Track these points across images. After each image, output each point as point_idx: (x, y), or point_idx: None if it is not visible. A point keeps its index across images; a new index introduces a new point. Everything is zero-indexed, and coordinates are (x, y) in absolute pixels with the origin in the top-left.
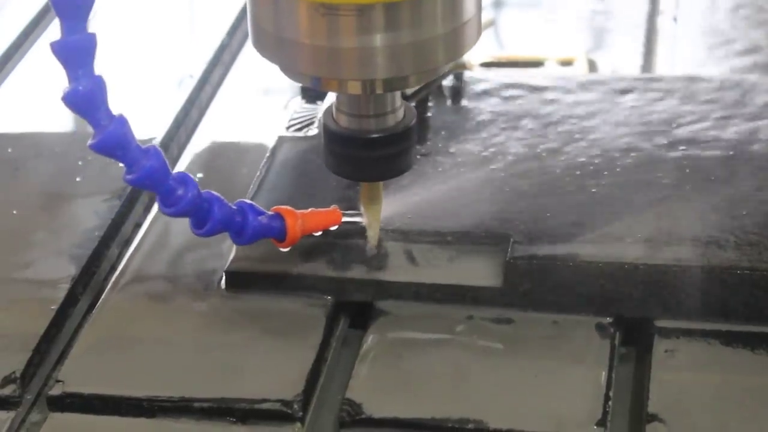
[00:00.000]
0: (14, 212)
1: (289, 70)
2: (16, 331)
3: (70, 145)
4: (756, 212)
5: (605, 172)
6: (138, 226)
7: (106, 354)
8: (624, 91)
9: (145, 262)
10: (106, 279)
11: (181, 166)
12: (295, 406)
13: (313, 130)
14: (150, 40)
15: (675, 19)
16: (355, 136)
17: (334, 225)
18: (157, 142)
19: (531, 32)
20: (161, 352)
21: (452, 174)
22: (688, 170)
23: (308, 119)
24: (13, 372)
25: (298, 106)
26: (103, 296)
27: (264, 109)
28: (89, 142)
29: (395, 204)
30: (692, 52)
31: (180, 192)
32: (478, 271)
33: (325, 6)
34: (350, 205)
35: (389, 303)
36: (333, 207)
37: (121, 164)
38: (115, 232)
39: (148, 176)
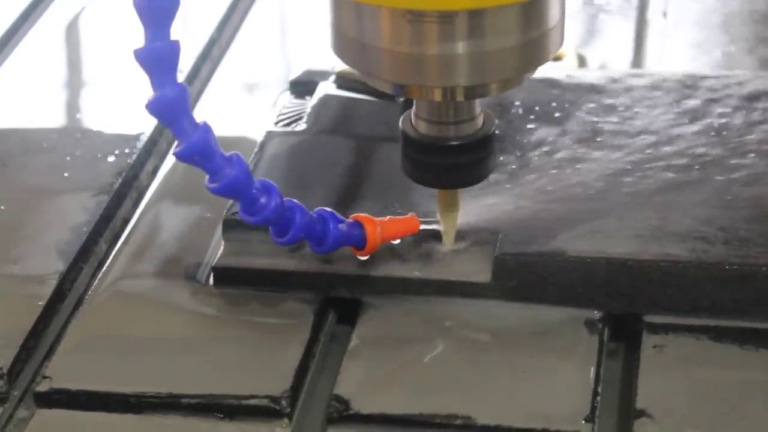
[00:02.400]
0: (1, 208)
1: (370, 76)
2: (3, 327)
3: (58, 140)
4: (745, 208)
5: (593, 168)
6: (126, 221)
7: (94, 350)
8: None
9: (133, 258)
10: (94, 275)
11: (169, 162)
12: (283, 402)
13: (302, 125)
14: (139, 33)
15: (664, 14)
16: (434, 143)
17: (413, 232)
18: (145, 136)
19: None
20: (149, 348)
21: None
22: (676, 166)
23: (297, 114)
24: (1, 368)
25: (287, 101)
26: (90, 292)
27: (253, 104)
28: (173, 150)
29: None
30: (682, 46)
31: (263, 200)
32: (467, 267)
33: (413, 12)
34: (341, 204)
35: (377, 299)
36: (411, 214)
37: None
38: (103, 228)
39: (232, 185)
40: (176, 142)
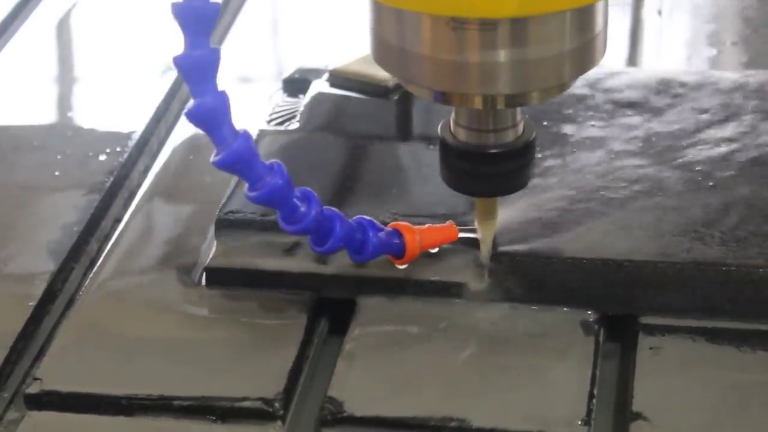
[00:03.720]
0: None
1: (411, 83)
2: None
3: (49, 138)
4: (742, 209)
5: (590, 168)
6: (117, 221)
7: (85, 351)
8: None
9: (124, 257)
10: (85, 275)
11: (161, 160)
12: (276, 405)
13: (294, 124)
14: (130, 31)
15: (659, 12)
16: (474, 150)
17: (451, 240)
18: (137, 135)
19: None
20: (141, 349)
21: (437, 168)
22: (674, 166)
23: (290, 113)
24: None
25: (280, 99)
26: (81, 292)
27: (245, 102)
28: (213, 158)
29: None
30: (677, 45)
31: (303, 209)
32: (462, 267)
33: (456, 20)
34: (334, 203)
35: (372, 299)
36: (449, 222)
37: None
38: (94, 227)
39: (273, 194)
40: (214, 151)
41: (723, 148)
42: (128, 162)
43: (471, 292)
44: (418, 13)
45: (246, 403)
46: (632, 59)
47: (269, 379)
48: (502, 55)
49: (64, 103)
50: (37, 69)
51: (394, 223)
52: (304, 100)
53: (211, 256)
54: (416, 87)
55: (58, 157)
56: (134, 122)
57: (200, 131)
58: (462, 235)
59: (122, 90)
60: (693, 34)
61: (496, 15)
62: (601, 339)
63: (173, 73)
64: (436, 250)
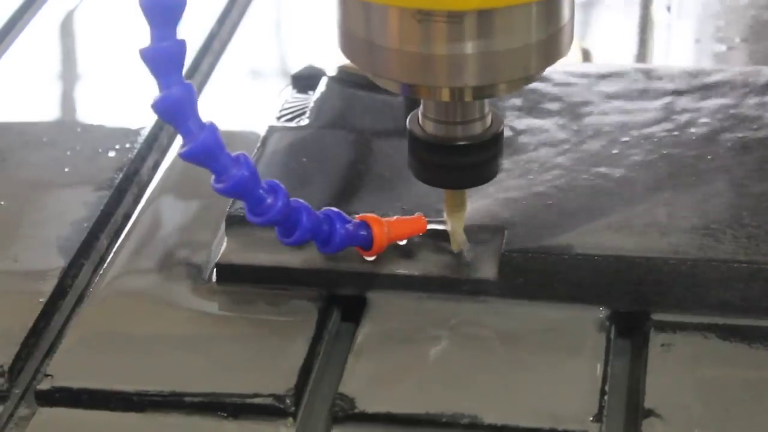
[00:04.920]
0: (1, 203)
1: (378, 75)
2: (3, 325)
3: (59, 134)
4: (754, 205)
5: (601, 164)
6: (127, 217)
7: (96, 347)
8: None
9: (134, 254)
10: (95, 271)
11: (170, 156)
12: (288, 401)
13: (304, 120)
14: (138, 27)
15: (668, 8)
16: (442, 143)
17: (420, 233)
18: (146, 131)
19: None
20: (151, 345)
21: None
22: (686, 162)
23: (299, 109)
24: (1, 366)
25: (290, 95)
26: (92, 289)
27: (254, 99)
28: (179, 150)
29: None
30: (686, 41)
31: (269, 201)
32: (473, 264)
33: (422, 12)
34: (344, 199)
35: (382, 295)
36: (418, 214)
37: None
38: (104, 224)
39: (239, 186)
40: (182, 142)
41: (736, 145)
42: (138, 158)
43: (482, 288)
44: (385, 5)
45: (257, 400)
46: (641, 55)
47: (280, 375)
48: (469, 47)
49: (73, 99)
50: (46, 66)
51: (361, 215)
52: (314, 96)
53: (221, 252)
54: (384, 80)
55: (68, 153)
56: (143, 118)
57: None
58: (431, 227)
59: (131, 86)
60: (702, 30)
61: (463, 7)
62: (612, 336)
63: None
64: (404, 242)
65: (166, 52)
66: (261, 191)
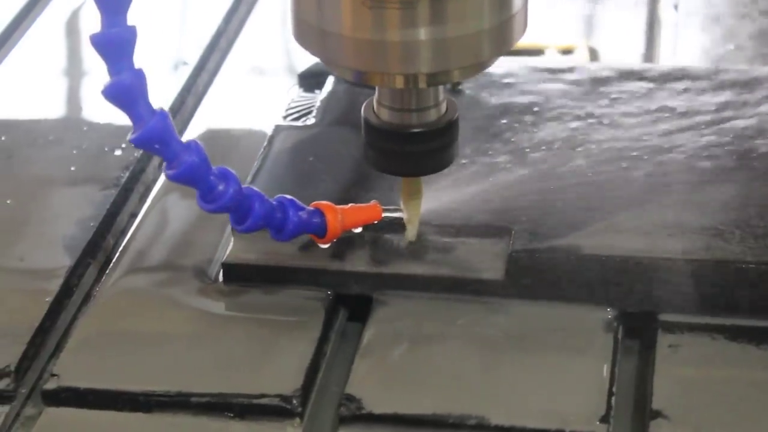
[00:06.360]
0: (8, 201)
1: (331, 63)
2: (10, 324)
3: (65, 133)
4: (761, 205)
5: (609, 164)
6: (134, 216)
7: (102, 347)
8: (630, 80)
9: (141, 253)
10: (102, 270)
11: None
12: (294, 402)
13: (311, 119)
14: (145, 26)
15: (676, 7)
16: (397, 130)
17: (375, 220)
18: None
19: (531, 20)
20: (158, 345)
21: (455, 165)
22: (693, 162)
23: (306, 108)
24: (8, 365)
25: (296, 94)
26: (98, 288)
27: (261, 97)
28: (129, 136)
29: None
30: (694, 40)
31: (221, 188)
32: (480, 264)
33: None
34: (348, 197)
35: (389, 296)
36: (373, 202)
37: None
38: (110, 223)
39: (190, 172)
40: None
41: (743, 144)
42: (144, 157)
43: (489, 288)
44: None
45: (264, 400)
46: (648, 54)
47: (287, 375)
48: (422, 34)
49: (79, 98)
50: (52, 64)
51: (315, 202)
52: (321, 95)
53: (228, 251)
54: (337, 67)
55: (74, 152)
56: None
57: (217, 127)
58: (386, 215)
59: None
60: (709, 28)
61: None
62: (620, 336)
63: (187, 69)
64: (359, 230)
65: (116, 38)
66: (212, 178)
